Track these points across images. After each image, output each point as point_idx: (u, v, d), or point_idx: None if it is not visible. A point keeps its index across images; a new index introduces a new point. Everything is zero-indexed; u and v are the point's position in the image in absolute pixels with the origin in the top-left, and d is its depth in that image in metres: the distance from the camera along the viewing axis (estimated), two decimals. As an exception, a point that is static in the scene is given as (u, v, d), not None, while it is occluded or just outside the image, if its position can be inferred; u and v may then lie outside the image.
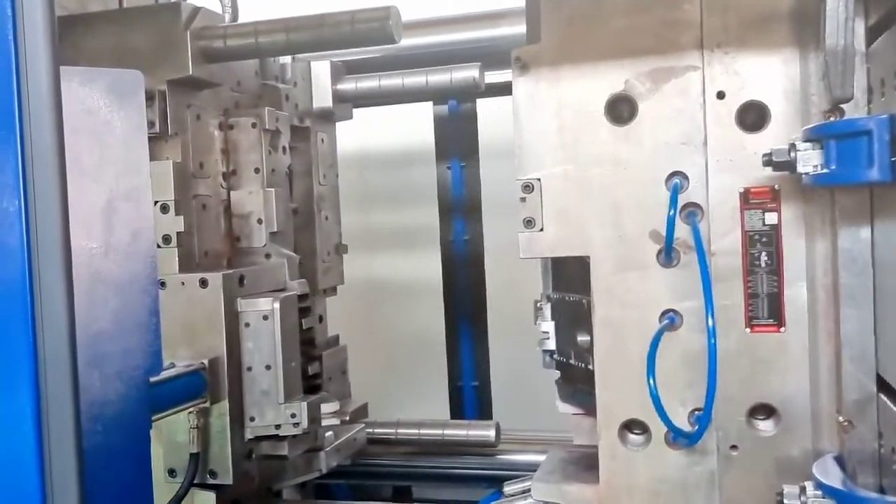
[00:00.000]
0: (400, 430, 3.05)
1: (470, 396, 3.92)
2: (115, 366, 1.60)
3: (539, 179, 1.97)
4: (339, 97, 2.95)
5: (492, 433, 2.97)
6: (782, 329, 1.85)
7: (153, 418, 1.91)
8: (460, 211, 3.74)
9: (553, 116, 1.96)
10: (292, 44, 2.19)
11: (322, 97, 2.94)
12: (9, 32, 1.27)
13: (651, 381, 1.76)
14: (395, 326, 4.43)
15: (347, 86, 2.95)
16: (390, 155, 4.35)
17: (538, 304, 2.22)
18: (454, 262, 3.76)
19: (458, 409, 3.89)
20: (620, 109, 1.93)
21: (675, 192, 1.82)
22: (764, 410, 1.89)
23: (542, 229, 1.97)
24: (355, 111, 3.16)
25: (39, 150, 1.28)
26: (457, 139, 3.71)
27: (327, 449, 2.58)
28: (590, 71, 1.93)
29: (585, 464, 2.10)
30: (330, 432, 2.61)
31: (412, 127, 4.05)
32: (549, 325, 2.18)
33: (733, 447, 1.89)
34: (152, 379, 1.87)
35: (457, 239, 3.74)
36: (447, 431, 3.02)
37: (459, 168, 3.73)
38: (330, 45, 2.40)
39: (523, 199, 1.98)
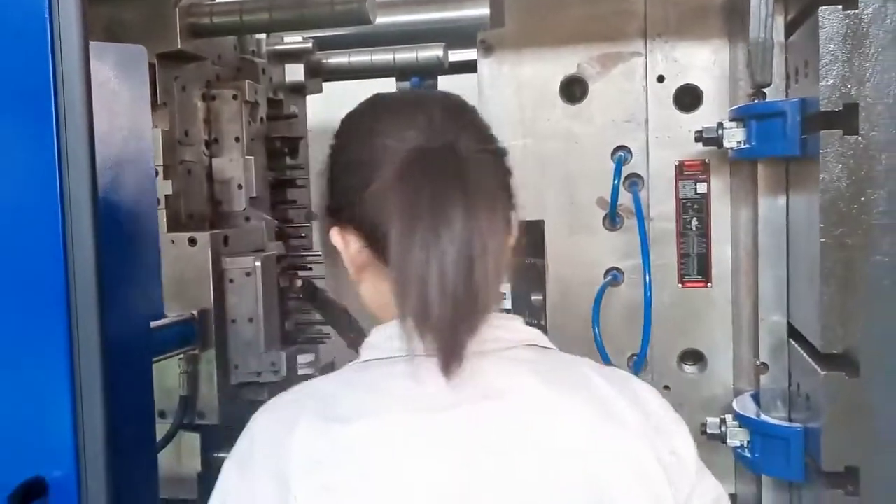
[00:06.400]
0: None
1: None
2: (121, 309, 1.79)
3: (500, 151, 2.20)
4: (310, 72, 3.12)
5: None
6: (709, 285, 2.12)
7: (153, 360, 2.10)
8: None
9: (514, 95, 2.19)
10: (275, 22, 2.37)
11: (294, 71, 3.11)
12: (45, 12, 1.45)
13: (596, 329, 2.01)
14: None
15: (318, 61, 3.13)
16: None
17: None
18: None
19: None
20: (573, 90, 2.17)
21: (619, 165, 2.07)
22: (693, 356, 2.16)
23: (502, 196, 2.20)
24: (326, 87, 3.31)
25: (72, 117, 1.46)
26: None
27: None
28: (548, 54, 2.16)
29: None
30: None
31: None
32: (505, 288, 2.41)
33: (666, 387, 2.16)
34: (153, 324, 2.08)
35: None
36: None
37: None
38: (310, 25, 2.57)
39: (486, 169, 2.20)
